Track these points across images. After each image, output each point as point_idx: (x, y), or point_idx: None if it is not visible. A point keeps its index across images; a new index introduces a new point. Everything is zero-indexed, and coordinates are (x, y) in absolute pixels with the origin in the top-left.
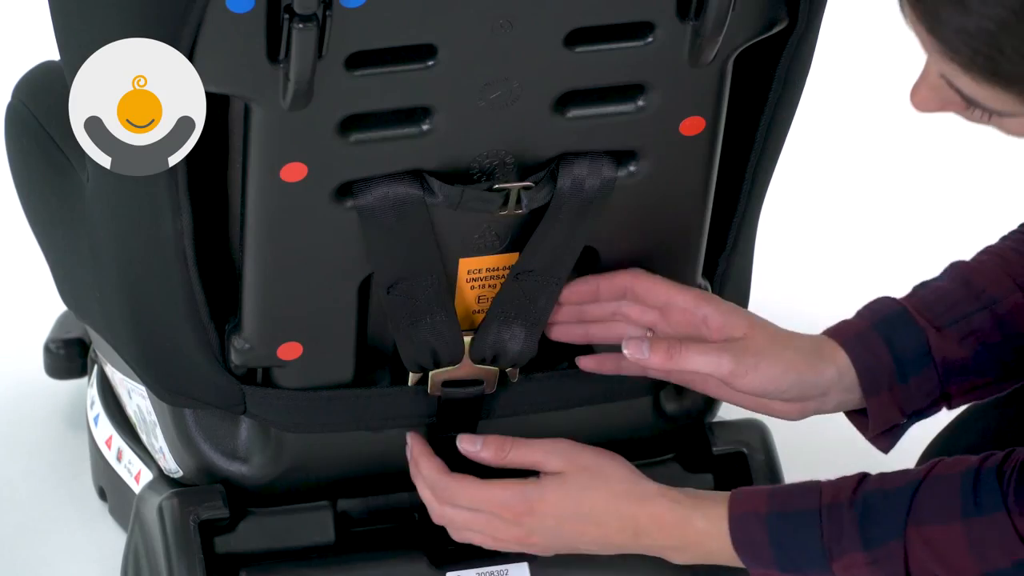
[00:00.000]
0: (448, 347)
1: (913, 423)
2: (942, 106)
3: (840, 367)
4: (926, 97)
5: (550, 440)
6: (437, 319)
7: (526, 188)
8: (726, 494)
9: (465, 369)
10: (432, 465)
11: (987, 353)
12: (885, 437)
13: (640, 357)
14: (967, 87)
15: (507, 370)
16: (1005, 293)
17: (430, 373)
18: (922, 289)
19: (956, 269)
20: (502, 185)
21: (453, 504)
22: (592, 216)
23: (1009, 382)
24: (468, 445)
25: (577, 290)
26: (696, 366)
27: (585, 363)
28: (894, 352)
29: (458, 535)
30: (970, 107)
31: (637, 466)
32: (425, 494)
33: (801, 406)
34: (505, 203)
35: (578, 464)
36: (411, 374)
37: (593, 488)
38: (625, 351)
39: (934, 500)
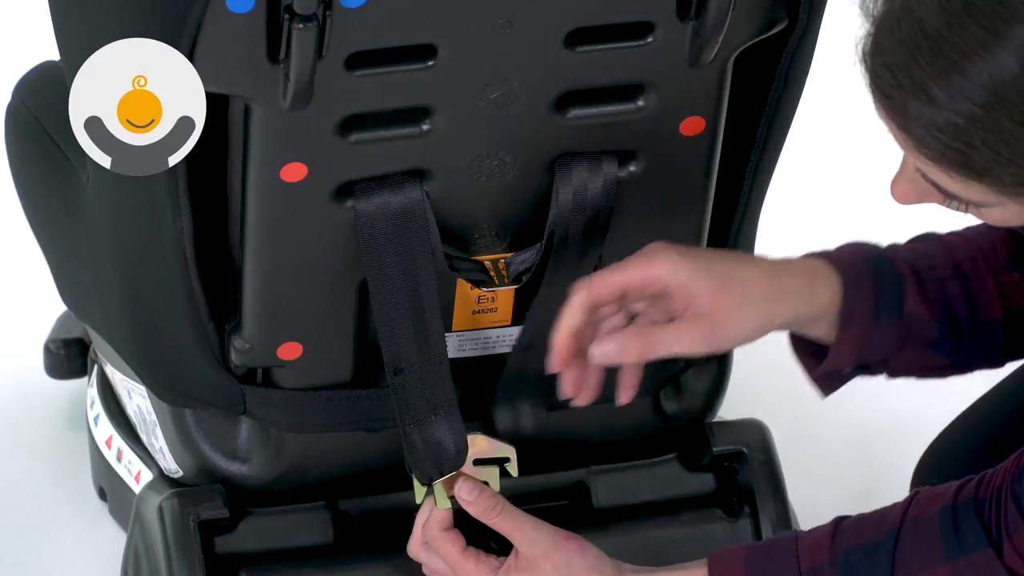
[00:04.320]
0: (454, 442)
1: (854, 376)
2: (921, 198)
3: (814, 302)
4: (905, 190)
5: (535, 523)
6: (441, 413)
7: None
8: (702, 567)
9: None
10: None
11: (949, 323)
12: (828, 379)
13: (616, 358)
14: (941, 180)
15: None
16: (980, 275)
17: (435, 484)
18: (899, 247)
19: (931, 237)
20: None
21: (429, 552)
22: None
23: (950, 371)
24: (465, 493)
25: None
26: (670, 352)
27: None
28: (877, 289)
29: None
30: (948, 199)
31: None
32: (416, 533)
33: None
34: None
35: (552, 559)
36: (417, 488)
37: None
38: (597, 352)
39: (916, 549)
